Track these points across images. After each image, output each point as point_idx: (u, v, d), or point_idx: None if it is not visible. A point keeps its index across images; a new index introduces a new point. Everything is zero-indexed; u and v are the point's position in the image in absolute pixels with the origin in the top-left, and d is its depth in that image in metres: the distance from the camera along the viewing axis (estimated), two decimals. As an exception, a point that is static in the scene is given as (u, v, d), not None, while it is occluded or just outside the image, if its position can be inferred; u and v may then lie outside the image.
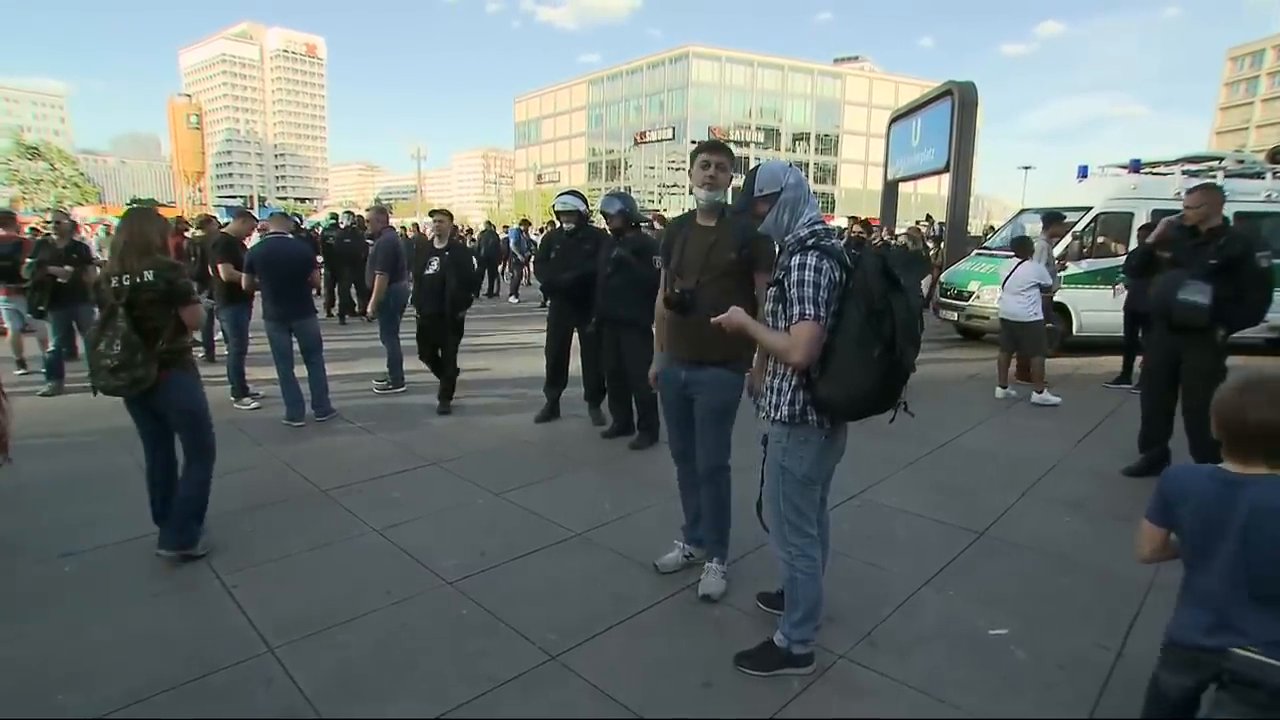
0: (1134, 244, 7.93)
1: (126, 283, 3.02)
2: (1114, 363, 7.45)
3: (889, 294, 2.08)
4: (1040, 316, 6.54)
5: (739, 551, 3.15)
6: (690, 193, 3.10)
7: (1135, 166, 9.38)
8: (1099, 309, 8.25)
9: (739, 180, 2.62)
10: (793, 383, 2.25)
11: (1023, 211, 10.83)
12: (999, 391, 6.59)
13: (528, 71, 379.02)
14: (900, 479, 4.38)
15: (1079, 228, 8.74)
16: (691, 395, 2.90)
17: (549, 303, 5.65)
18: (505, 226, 20.22)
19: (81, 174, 62.87)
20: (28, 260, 6.43)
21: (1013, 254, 6.96)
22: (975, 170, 11.72)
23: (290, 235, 5.96)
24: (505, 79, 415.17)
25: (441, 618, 2.76)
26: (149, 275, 3.03)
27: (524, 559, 3.27)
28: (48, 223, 7.78)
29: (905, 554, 3.36)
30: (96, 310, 6.65)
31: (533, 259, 13.41)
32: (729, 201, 2.83)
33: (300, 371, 5.60)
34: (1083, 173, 9.97)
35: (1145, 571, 3.08)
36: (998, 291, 8.72)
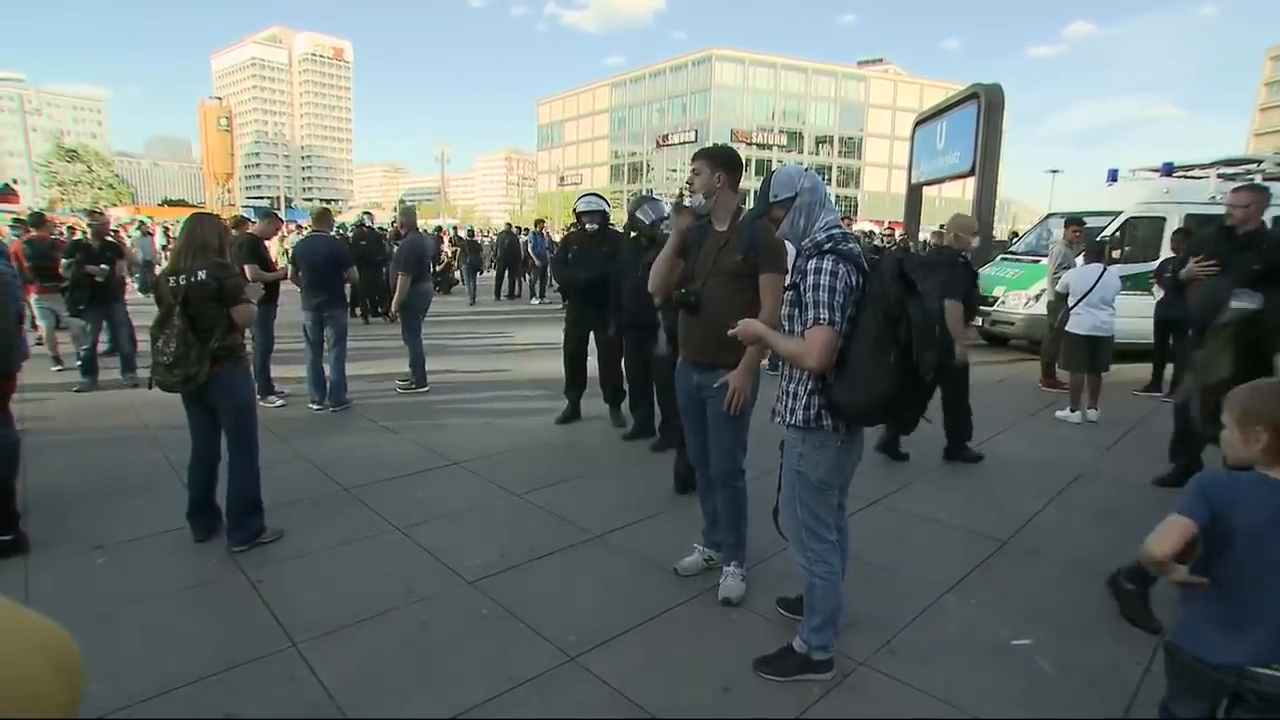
0: (1165, 250, 7.79)
1: (182, 282, 3.16)
2: (1141, 370, 7.31)
3: (905, 299, 2.07)
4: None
5: (759, 556, 3.14)
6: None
7: (1167, 170, 9.19)
8: (1128, 315, 8.08)
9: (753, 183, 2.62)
10: (808, 387, 2.24)
11: (1050, 216, 10.67)
12: (1082, 415, 5.93)
13: (551, 74, 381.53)
14: (922, 484, 4.33)
15: (1108, 232, 8.58)
16: (704, 399, 2.90)
17: (566, 304, 5.68)
18: (523, 229, 20.36)
19: (116, 176, 64.29)
20: (64, 260, 6.60)
21: (1078, 260, 6.39)
22: (1001, 174, 11.55)
23: (326, 233, 6.39)
24: (529, 81, 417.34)
25: (462, 617, 2.78)
26: (201, 275, 3.17)
27: (544, 560, 3.28)
28: (88, 225, 8.00)
29: (927, 561, 3.32)
30: (127, 308, 6.92)
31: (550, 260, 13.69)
32: (702, 202, 2.83)
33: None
34: (1112, 176, 9.79)
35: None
36: (1021, 298, 8.61)
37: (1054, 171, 48.78)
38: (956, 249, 4.77)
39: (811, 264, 2.18)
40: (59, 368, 7.19)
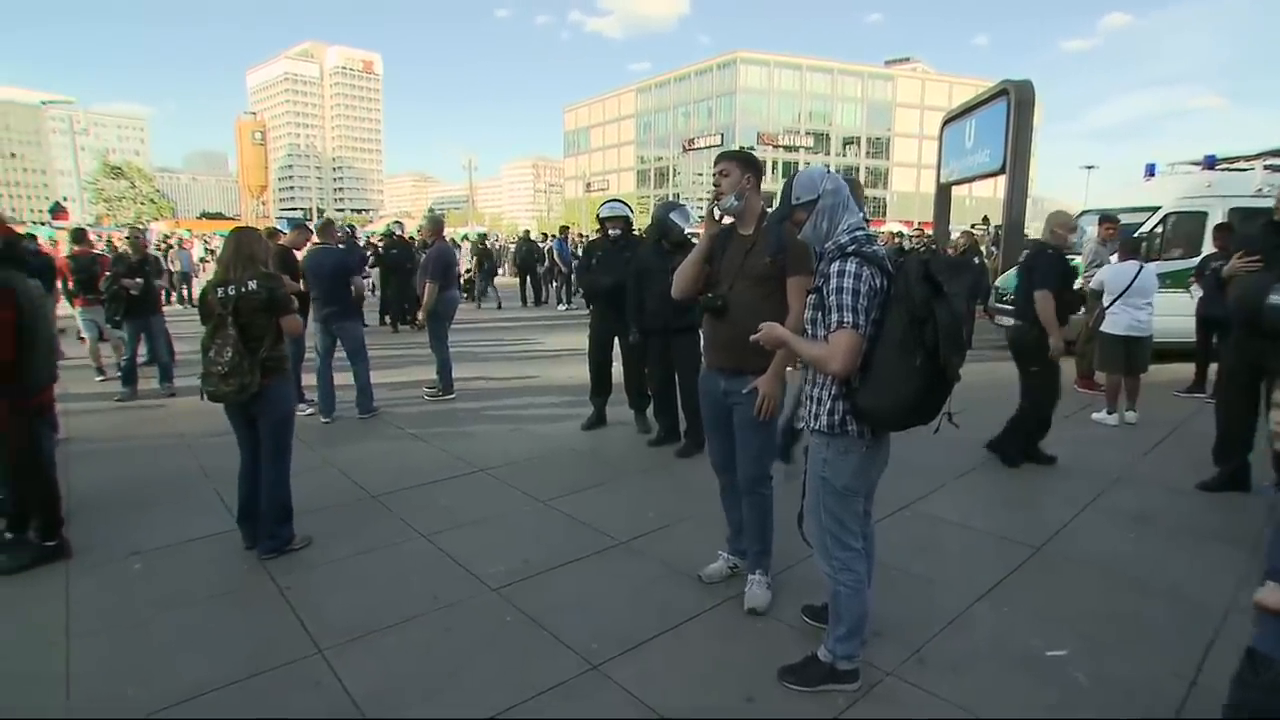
0: (1208, 246, 7.53)
1: (232, 292, 3.21)
2: (1183, 370, 7.08)
3: (931, 300, 2.02)
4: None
5: (785, 563, 3.09)
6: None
7: (1210, 163, 8.90)
8: (1168, 314, 7.82)
9: (778, 185, 2.59)
10: (832, 392, 2.20)
11: (1084, 213, 10.40)
12: (1120, 417, 5.76)
13: (577, 81, 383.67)
14: (952, 490, 4.24)
15: (1146, 228, 8.33)
16: (731, 404, 2.87)
17: (590, 310, 5.69)
18: (547, 235, 20.51)
19: (158, 191, 66.47)
20: (106, 274, 6.82)
21: (1124, 257, 6.05)
22: (1033, 171, 11.32)
23: (331, 245, 6.25)
24: (555, 89, 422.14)
25: (485, 624, 2.79)
26: (252, 285, 3.23)
27: (568, 567, 3.28)
28: (125, 238, 8.30)
29: (957, 568, 3.24)
30: (166, 319, 7.11)
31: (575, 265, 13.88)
32: (734, 202, 2.80)
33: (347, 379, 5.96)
34: (1150, 171, 9.52)
35: (1222, 594, 2.91)
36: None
37: (1088, 168, 47.71)
38: (1053, 245, 4.67)
39: (834, 266, 2.14)
40: (102, 378, 7.43)
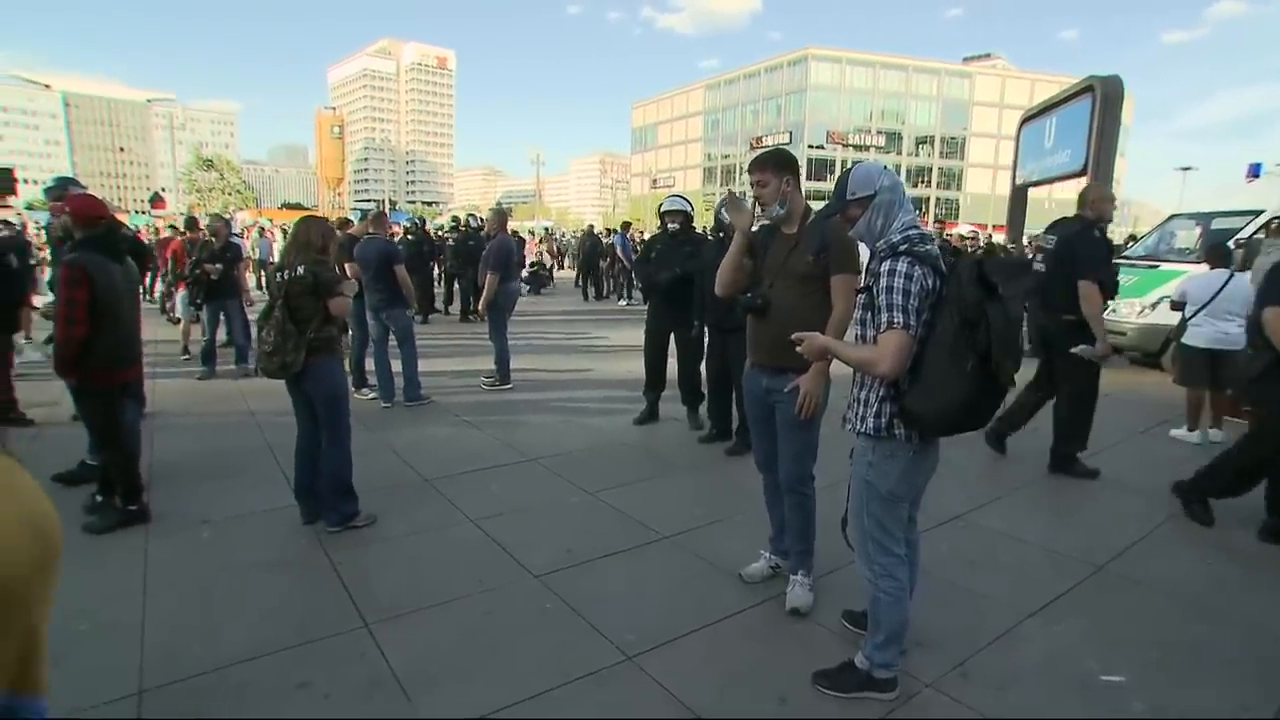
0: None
1: (285, 277, 3.42)
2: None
3: (984, 303, 1.95)
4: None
5: (827, 566, 3.04)
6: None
7: None
8: None
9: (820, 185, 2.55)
10: (879, 394, 2.16)
11: (1173, 217, 9.81)
12: (1196, 436, 5.40)
13: (647, 78, 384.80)
14: (1010, 502, 4.07)
15: (1245, 233, 7.78)
16: (773, 403, 2.84)
17: (647, 305, 5.70)
18: (611, 231, 20.65)
19: (244, 182, 70.18)
20: (189, 259, 7.24)
21: (1202, 264, 5.59)
22: (1121, 173, 10.78)
23: (379, 235, 6.31)
24: (624, 85, 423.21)
25: (525, 610, 2.84)
26: (300, 269, 3.41)
27: (610, 558, 3.31)
28: (207, 225, 8.84)
29: (1009, 582, 3.12)
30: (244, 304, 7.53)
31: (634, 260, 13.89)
32: (779, 211, 2.76)
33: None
34: (1255, 171, 8.89)
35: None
36: (1135, 306, 7.95)
37: (1185, 169, 44.78)
38: None
39: (885, 265, 2.10)
40: (185, 356, 7.90)
